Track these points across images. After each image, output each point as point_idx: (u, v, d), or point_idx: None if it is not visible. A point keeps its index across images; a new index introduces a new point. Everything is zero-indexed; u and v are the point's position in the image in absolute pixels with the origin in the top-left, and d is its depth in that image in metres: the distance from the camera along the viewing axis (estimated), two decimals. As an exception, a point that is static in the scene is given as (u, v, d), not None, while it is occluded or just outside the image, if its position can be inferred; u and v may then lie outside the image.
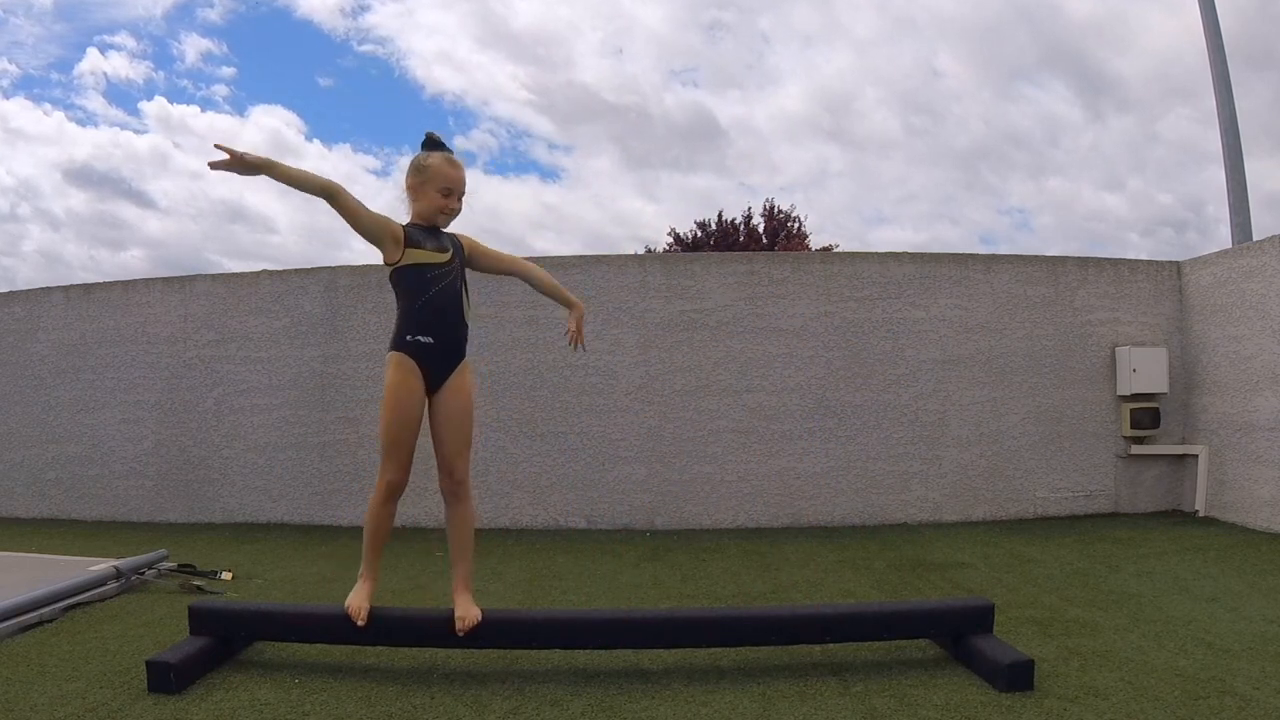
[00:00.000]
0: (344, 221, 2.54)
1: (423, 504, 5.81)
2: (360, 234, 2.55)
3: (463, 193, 2.65)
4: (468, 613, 2.57)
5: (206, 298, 6.10)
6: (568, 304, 2.89)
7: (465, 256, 2.72)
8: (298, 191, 2.48)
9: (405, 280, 2.59)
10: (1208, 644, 2.85)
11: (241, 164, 2.40)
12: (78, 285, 6.36)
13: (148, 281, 6.21)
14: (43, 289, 6.44)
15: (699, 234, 21.50)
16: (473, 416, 2.72)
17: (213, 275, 6.16)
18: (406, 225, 2.62)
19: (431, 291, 2.57)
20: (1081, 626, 3.10)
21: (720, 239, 21.07)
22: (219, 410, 6.04)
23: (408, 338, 2.58)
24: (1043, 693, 2.40)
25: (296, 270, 6.08)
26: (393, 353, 2.60)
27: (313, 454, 5.91)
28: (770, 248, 20.00)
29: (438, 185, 2.60)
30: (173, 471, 6.09)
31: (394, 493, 2.65)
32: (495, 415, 5.75)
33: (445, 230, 2.70)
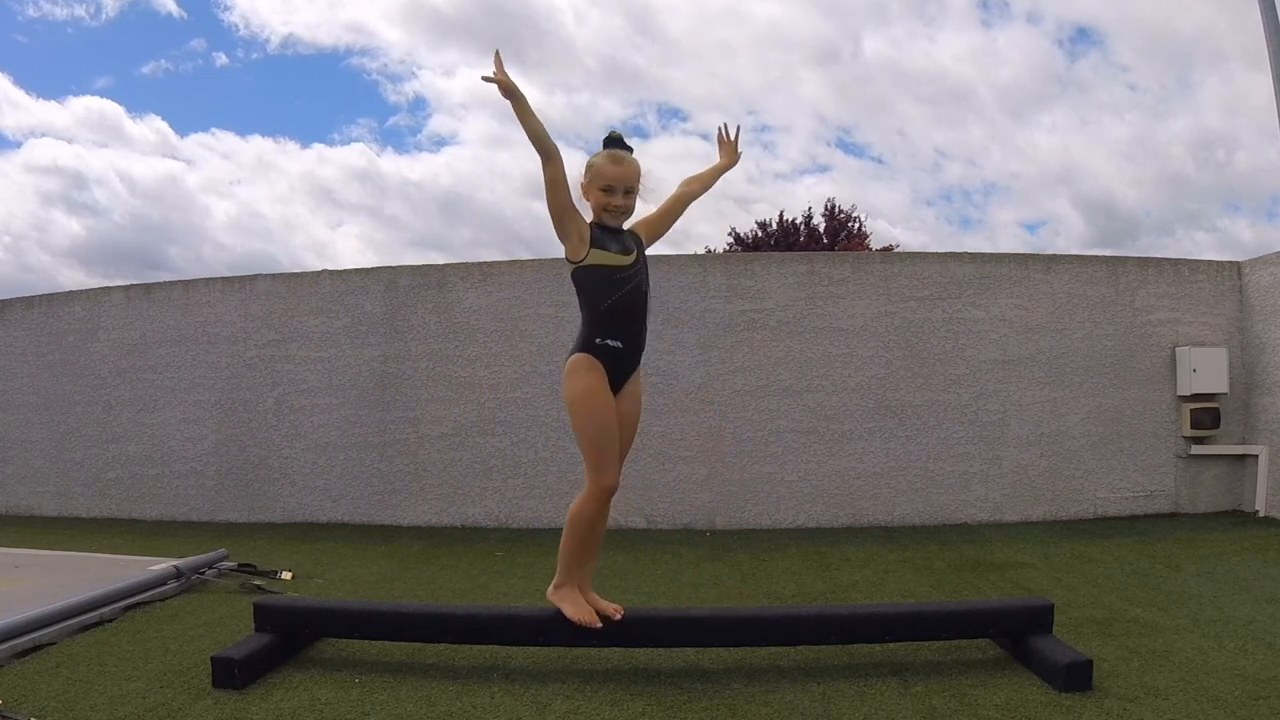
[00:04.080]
0: (546, 193, 2.54)
1: (482, 504, 5.84)
2: (551, 214, 2.56)
3: (629, 189, 2.60)
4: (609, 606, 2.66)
5: (267, 297, 6.13)
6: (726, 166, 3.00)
7: (645, 246, 2.70)
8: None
9: (591, 281, 2.58)
10: (1269, 644, 2.85)
11: (504, 87, 2.49)
12: (138, 285, 6.40)
13: (208, 281, 6.25)
14: (102, 288, 6.49)
15: (759, 233, 21.41)
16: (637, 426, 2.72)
17: (273, 275, 6.19)
18: (593, 224, 2.61)
19: (618, 295, 2.57)
20: (1141, 627, 3.10)
21: (780, 238, 20.98)
22: (279, 410, 6.07)
23: (597, 341, 2.56)
24: (1102, 693, 2.41)
25: (357, 270, 6.11)
26: (581, 355, 2.57)
27: (373, 454, 5.93)
28: (830, 248, 19.81)
29: (600, 183, 2.59)
30: (232, 471, 6.13)
31: (611, 497, 2.64)
32: (555, 415, 5.76)
33: (627, 230, 2.68)
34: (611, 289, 2.57)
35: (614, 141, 2.66)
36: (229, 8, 43.74)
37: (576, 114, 43.23)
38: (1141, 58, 44.21)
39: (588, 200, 2.64)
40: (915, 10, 43.41)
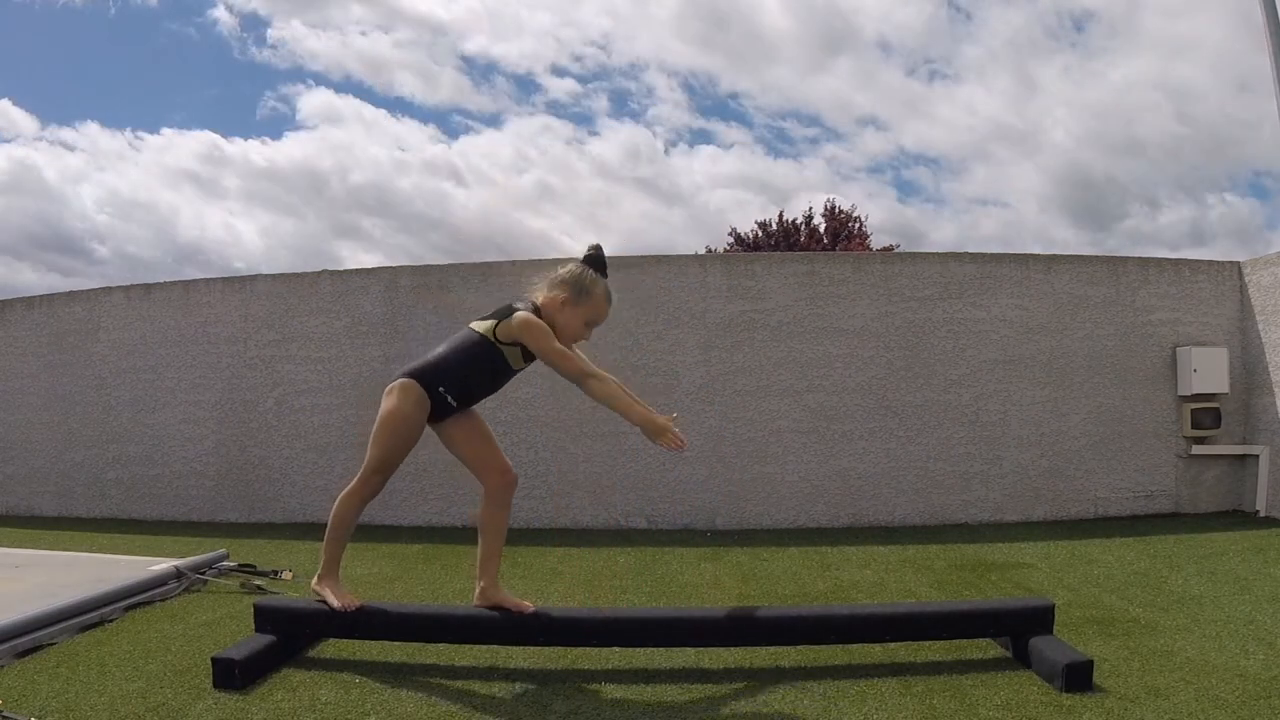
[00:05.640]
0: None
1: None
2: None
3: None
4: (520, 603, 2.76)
5: (267, 298, 6.13)
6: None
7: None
8: None
9: (491, 362, 2.61)
10: (1269, 644, 2.84)
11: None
12: (138, 285, 6.40)
13: (208, 281, 6.25)
14: (103, 289, 6.48)
15: (759, 234, 21.46)
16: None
17: (273, 275, 6.19)
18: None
19: (495, 383, 2.67)
20: (1142, 627, 3.09)
21: (781, 239, 21.03)
22: (279, 410, 6.07)
23: (439, 389, 2.60)
24: (1103, 693, 2.40)
25: (357, 270, 6.12)
26: (409, 381, 2.62)
27: (373, 454, 5.92)
28: (831, 248, 19.90)
29: (587, 317, 2.63)
30: (233, 471, 6.12)
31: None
32: (555, 415, 5.76)
33: None
34: (497, 378, 2.67)
35: (604, 265, 2.67)
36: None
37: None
38: (1140, 51, 44.31)
39: (561, 315, 2.61)
40: (913, 7, 43.52)
